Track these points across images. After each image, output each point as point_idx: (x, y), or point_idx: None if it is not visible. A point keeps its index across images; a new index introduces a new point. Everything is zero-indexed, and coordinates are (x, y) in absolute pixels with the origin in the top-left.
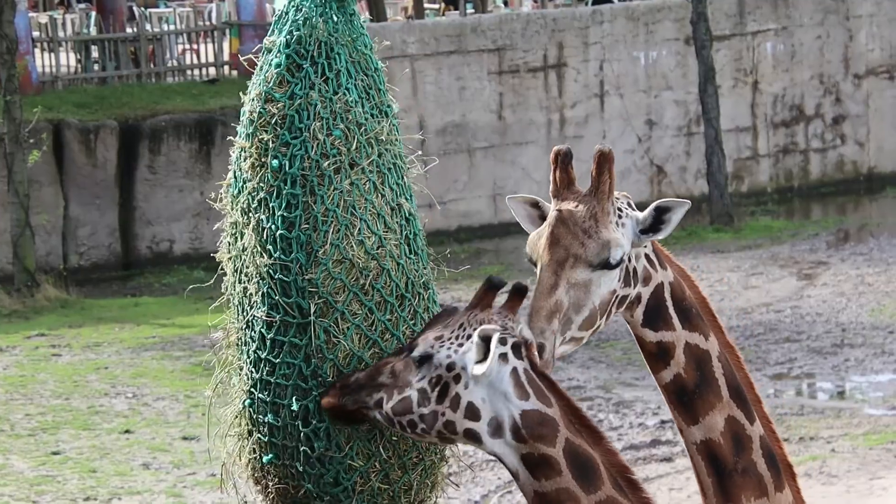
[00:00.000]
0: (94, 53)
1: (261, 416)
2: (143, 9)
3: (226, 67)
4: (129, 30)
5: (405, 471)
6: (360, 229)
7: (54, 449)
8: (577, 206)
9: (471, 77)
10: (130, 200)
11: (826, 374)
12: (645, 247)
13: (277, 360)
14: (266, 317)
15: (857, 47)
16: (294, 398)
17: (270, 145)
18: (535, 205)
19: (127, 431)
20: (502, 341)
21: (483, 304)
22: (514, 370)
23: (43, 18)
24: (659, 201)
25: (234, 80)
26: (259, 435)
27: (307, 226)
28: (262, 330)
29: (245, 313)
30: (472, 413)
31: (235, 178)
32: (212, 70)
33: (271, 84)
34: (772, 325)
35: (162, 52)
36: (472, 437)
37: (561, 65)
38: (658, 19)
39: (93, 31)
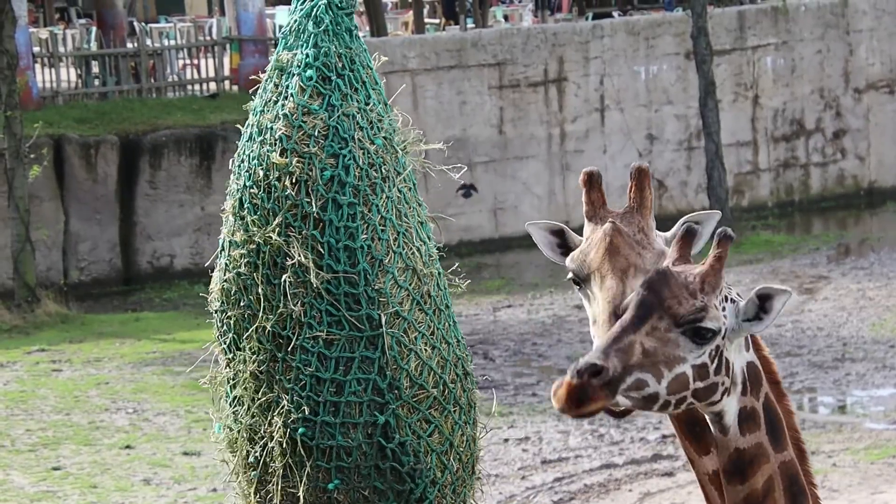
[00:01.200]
0: (95, 68)
1: (324, 441)
2: (143, 24)
3: (226, 82)
4: (129, 45)
5: (468, 479)
6: (414, 237)
7: (55, 464)
8: (621, 221)
9: (471, 91)
10: (131, 215)
11: (827, 389)
12: None
13: (347, 378)
14: (326, 335)
15: (858, 62)
16: (370, 414)
17: (316, 159)
18: (557, 232)
19: (128, 447)
20: (770, 293)
21: (725, 259)
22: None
23: (43, 34)
24: (688, 216)
25: (234, 95)
26: (320, 462)
27: (366, 235)
28: (322, 350)
29: (273, 341)
30: (731, 371)
31: (257, 200)
32: (212, 85)
33: (306, 97)
34: (773, 340)
35: (162, 67)
36: (720, 400)
37: (561, 79)
38: (658, 34)
39: (93, 46)
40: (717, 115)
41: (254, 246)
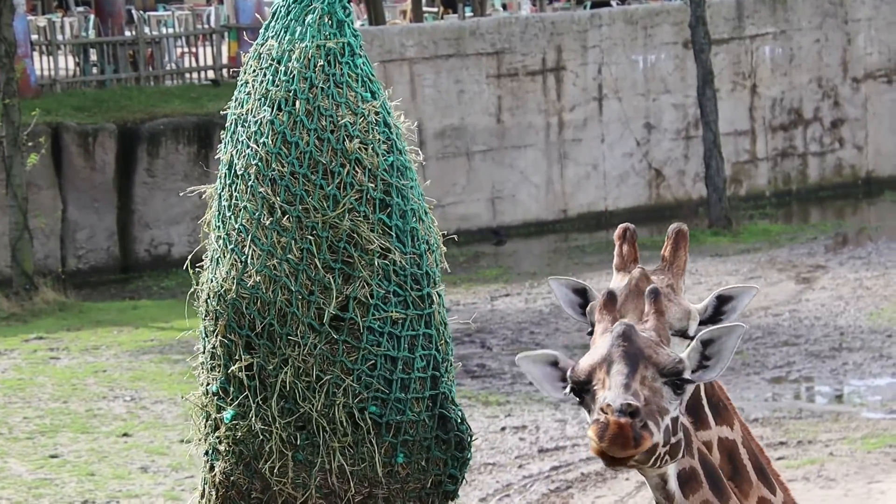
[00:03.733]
0: (93, 57)
1: (393, 417)
2: (141, 12)
3: (224, 71)
4: (127, 33)
5: None
6: (430, 217)
7: (52, 452)
8: (651, 273)
9: (469, 80)
10: (129, 204)
11: (824, 378)
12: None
13: (414, 355)
14: (395, 314)
15: (856, 51)
16: (431, 388)
17: (377, 144)
18: (579, 291)
19: (125, 435)
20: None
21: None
22: None
23: (41, 21)
24: (721, 290)
25: (232, 84)
26: (386, 437)
27: (416, 217)
28: (391, 329)
29: (329, 324)
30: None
31: (311, 187)
32: (210, 73)
33: (359, 85)
34: (770, 329)
35: (160, 55)
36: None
37: (559, 68)
38: (657, 23)
39: (91, 34)
40: (715, 104)
41: (307, 232)
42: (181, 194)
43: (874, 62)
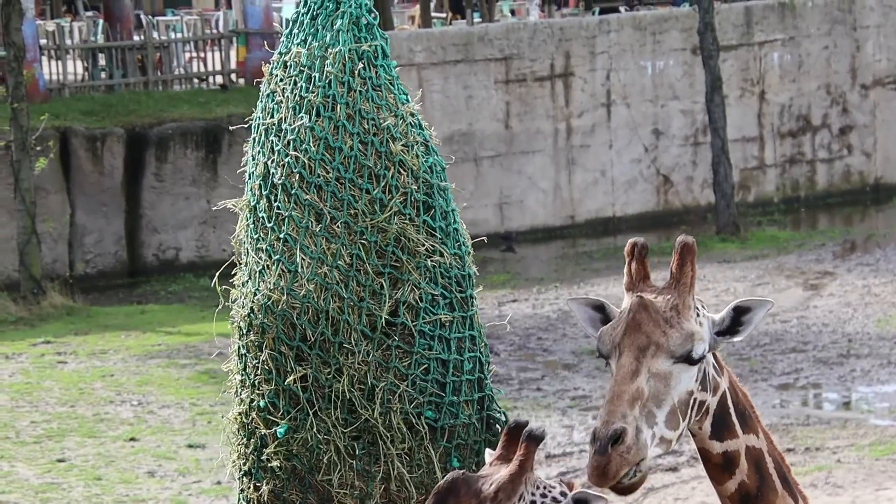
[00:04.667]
0: (102, 61)
1: (447, 421)
2: (150, 17)
3: (233, 75)
4: (136, 38)
5: None
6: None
7: (59, 456)
8: (656, 297)
9: (478, 86)
10: (137, 208)
11: (832, 385)
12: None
13: (463, 357)
14: (444, 317)
15: (864, 58)
16: (478, 390)
17: (417, 146)
18: (599, 308)
19: (132, 439)
20: (586, 498)
21: (531, 465)
22: None
23: (50, 26)
24: (738, 301)
25: (240, 89)
26: (440, 441)
27: (455, 218)
28: (441, 332)
29: (381, 330)
30: None
31: (356, 191)
32: (219, 78)
33: (396, 88)
34: (778, 336)
35: (169, 59)
36: None
37: (568, 74)
38: (665, 29)
39: (100, 38)
40: (723, 110)
41: (357, 237)
42: (219, 205)
43: (883, 69)
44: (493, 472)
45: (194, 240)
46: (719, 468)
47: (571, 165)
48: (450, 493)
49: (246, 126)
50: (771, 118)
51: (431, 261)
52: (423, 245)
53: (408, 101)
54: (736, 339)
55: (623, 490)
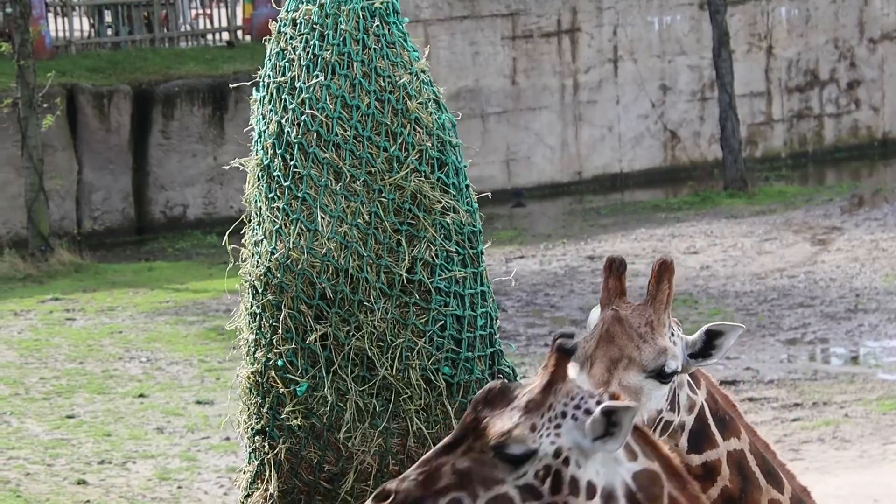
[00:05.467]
0: (108, 18)
1: (463, 377)
2: None
3: (239, 32)
4: None
5: None
6: None
7: (69, 413)
8: (631, 312)
9: (484, 42)
10: (144, 165)
11: (839, 340)
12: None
13: (477, 313)
14: (458, 273)
15: (873, 11)
16: (490, 346)
17: (431, 103)
18: None
19: (141, 395)
20: (614, 409)
21: (562, 376)
22: None
23: None
24: (710, 325)
25: (247, 45)
26: (456, 397)
27: (465, 174)
28: (456, 289)
29: (399, 287)
30: (592, 491)
31: (374, 149)
32: (225, 35)
33: (409, 44)
34: (785, 291)
35: (175, 16)
36: None
37: (575, 30)
38: None
39: None
40: (730, 65)
41: (376, 194)
42: (228, 166)
43: (891, 23)
44: (531, 382)
45: (201, 197)
46: (700, 478)
47: (578, 121)
48: (486, 403)
49: (249, 84)
50: (778, 73)
51: (446, 218)
52: (440, 202)
53: (419, 57)
54: (708, 362)
55: None
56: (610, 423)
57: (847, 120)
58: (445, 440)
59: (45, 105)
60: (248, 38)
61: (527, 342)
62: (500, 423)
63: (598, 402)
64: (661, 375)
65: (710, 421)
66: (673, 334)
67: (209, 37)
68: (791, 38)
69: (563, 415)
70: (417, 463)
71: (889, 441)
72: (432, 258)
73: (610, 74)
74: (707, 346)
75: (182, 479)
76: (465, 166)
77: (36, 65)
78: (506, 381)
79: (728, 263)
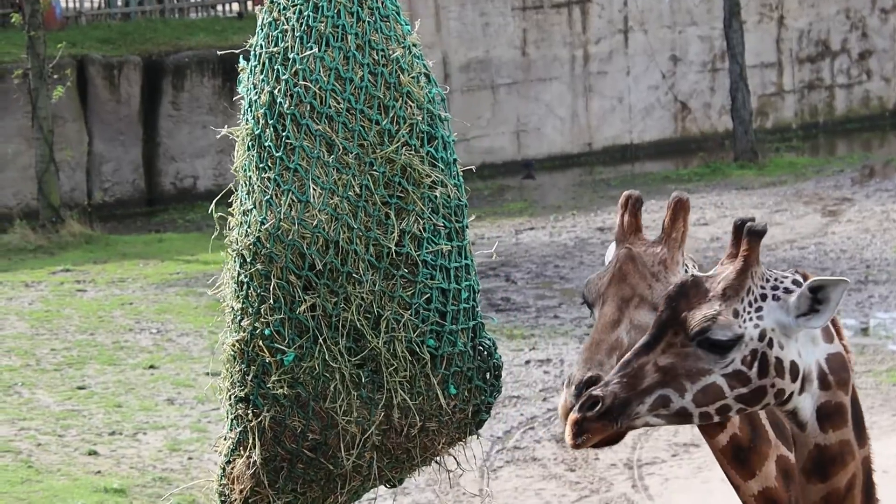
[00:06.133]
0: None
1: (447, 349)
2: None
3: (249, 3)
4: None
5: None
6: None
7: (80, 384)
8: (645, 250)
9: (494, 13)
10: (154, 136)
11: (850, 311)
12: None
13: (461, 286)
14: (444, 247)
15: None
16: (473, 319)
17: (422, 76)
18: None
19: (151, 367)
20: (822, 284)
21: (757, 259)
22: None
23: None
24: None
25: (256, 16)
26: (439, 369)
27: (453, 150)
28: (442, 262)
29: (386, 259)
30: (795, 372)
31: (366, 122)
32: (235, 6)
33: (402, 18)
34: (796, 262)
35: None
36: (787, 400)
37: (585, 0)
38: None
39: None
40: (741, 36)
41: (367, 167)
42: (218, 136)
43: None
44: (722, 271)
45: (212, 168)
46: (710, 424)
47: (589, 92)
48: (681, 297)
49: (239, 52)
50: (789, 43)
51: (435, 192)
52: (430, 176)
53: (411, 31)
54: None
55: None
56: (815, 299)
57: (858, 90)
58: (643, 340)
59: (55, 76)
60: (258, 8)
61: (536, 314)
62: (701, 313)
63: (795, 282)
64: None
65: None
66: (687, 271)
67: (219, 7)
68: (802, 8)
69: (763, 297)
70: (618, 366)
71: None
72: (420, 231)
73: (620, 45)
74: None
75: (192, 450)
76: (453, 140)
77: (46, 36)
78: (695, 274)
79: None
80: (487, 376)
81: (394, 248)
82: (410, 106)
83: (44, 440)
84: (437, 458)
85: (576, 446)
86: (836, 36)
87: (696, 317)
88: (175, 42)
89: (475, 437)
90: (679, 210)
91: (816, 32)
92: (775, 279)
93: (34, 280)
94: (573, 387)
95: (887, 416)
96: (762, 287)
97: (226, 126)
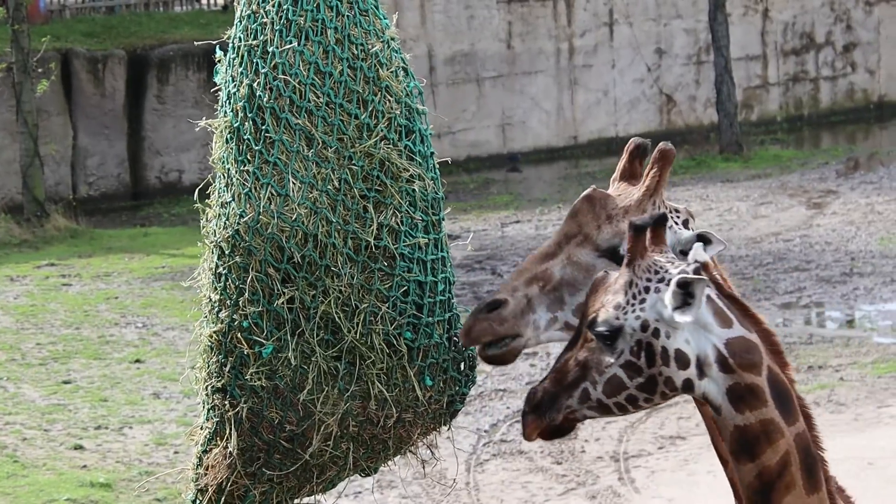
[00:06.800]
0: None
1: (423, 342)
2: None
3: None
4: None
5: None
6: None
7: (65, 378)
8: (619, 195)
9: (479, 6)
10: (139, 130)
11: (835, 303)
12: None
13: (437, 279)
14: (422, 240)
15: None
16: (449, 310)
17: (401, 71)
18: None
19: (137, 361)
20: (687, 280)
21: (641, 252)
22: (709, 298)
23: None
24: (703, 231)
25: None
26: (416, 361)
27: (429, 143)
28: (420, 255)
29: (365, 252)
30: (683, 360)
31: (345, 116)
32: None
33: (381, 12)
34: (781, 255)
35: None
36: (688, 387)
37: None
38: None
39: None
40: (726, 28)
41: (346, 161)
42: (197, 128)
43: None
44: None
45: (197, 162)
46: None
47: (574, 86)
48: (591, 292)
49: (216, 42)
50: (774, 36)
51: (413, 186)
52: (407, 170)
53: (389, 25)
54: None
55: (488, 359)
56: (687, 293)
57: (843, 83)
58: (572, 337)
59: (39, 70)
60: (236, 0)
61: None
62: (594, 307)
63: (682, 272)
64: (616, 257)
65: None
66: (671, 228)
67: (203, 1)
68: (787, 0)
69: (647, 289)
70: (552, 366)
71: (884, 404)
72: (397, 225)
73: (605, 38)
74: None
75: (178, 444)
76: (430, 134)
77: (30, 29)
78: (608, 271)
79: (723, 227)
80: (462, 367)
81: (372, 241)
82: (389, 100)
83: (29, 434)
84: (412, 448)
85: (526, 438)
86: (820, 28)
87: (591, 311)
88: (159, 35)
89: (448, 427)
90: (660, 160)
91: (801, 25)
92: (665, 271)
93: (19, 274)
94: (477, 306)
95: (872, 408)
96: (648, 279)
97: (206, 119)
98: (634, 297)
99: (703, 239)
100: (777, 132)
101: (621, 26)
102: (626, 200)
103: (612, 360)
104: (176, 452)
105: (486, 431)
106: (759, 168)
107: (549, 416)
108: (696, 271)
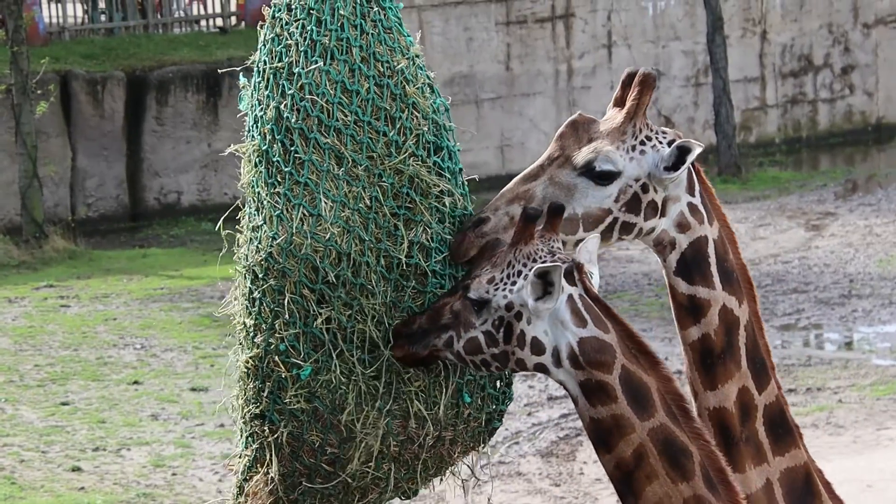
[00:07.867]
0: (101, 4)
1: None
2: None
3: (233, 18)
4: None
5: None
6: None
7: (63, 399)
8: (604, 120)
9: (478, 28)
10: (138, 152)
11: (833, 325)
12: (693, 196)
13: None
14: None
15: None
16: None
17: (426, 87)
18: None
19: (135, 382)
20: (544, 270)
21: (525, 238)
22: (570, 297)
23: None
24: (681, 141)
25: (241, 32)
26: (457, 380)
27: (458, 159)
28: (451, 272)
29: (396, 270)
30: (538, 348)
31: (374, 134)
32: (219, 21)
33: (404, 29)
34: (779, 276)
35: (169, 2)
36: (542, 370)
37: (569, 15)
38: None
39: None
40: (724, 50)
41: (376, 178)
42: (225, 152)
43: (885, 7)
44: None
45: (196, 183)
46: (683, 309)
47: (572, 107)
48: (480, 255)
49: (240, 69)
50: (772, 58)
51: (443, 202)
52: (437, 186)
53: (414, 42)
54: (677, 174)
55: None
56: (547, 282)
57: (841, 105)
58: (452, 287)
59: (38, 91)
60: (242, 24)
61: None
62: (475, 273)
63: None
64: (594, 174)
65: (712, 259)
66: (643, 144)
67: (203, 23)
68: (785, 22)
69: (520, 273)
70: (433, 304)
71: (883, 426)
72: (428, 241)
73: (604, 60)
74: (679, 161)
75: (176, 465)
76: (458, 150)
77: (29, 51)
78: (499, 240)
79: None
80: (498, 384)
81: (403, 258)
82: (416, 117)
83: (27, 456)
84: (452, 468)
85: (394, 357)
86: (818, 51)
87: (472, 274)
88: (159, 57)
89: (485, 446)
90: (641, 84)
91: (799, 47)
92: (541, 261)
93: (17, 296)
94: (464, 224)
95: (871, 430)
96: (524, 265)
97: (208, 143)
98: (508, 278)
99: (683, 149)
100: (775, 154)
101: (620, 48)
102: (609, 124)
103: (476, 324)
104: (174, 474)
105: (484, 453)
106: (757, 190)
107: (416, 347)
108: (569, 270)
